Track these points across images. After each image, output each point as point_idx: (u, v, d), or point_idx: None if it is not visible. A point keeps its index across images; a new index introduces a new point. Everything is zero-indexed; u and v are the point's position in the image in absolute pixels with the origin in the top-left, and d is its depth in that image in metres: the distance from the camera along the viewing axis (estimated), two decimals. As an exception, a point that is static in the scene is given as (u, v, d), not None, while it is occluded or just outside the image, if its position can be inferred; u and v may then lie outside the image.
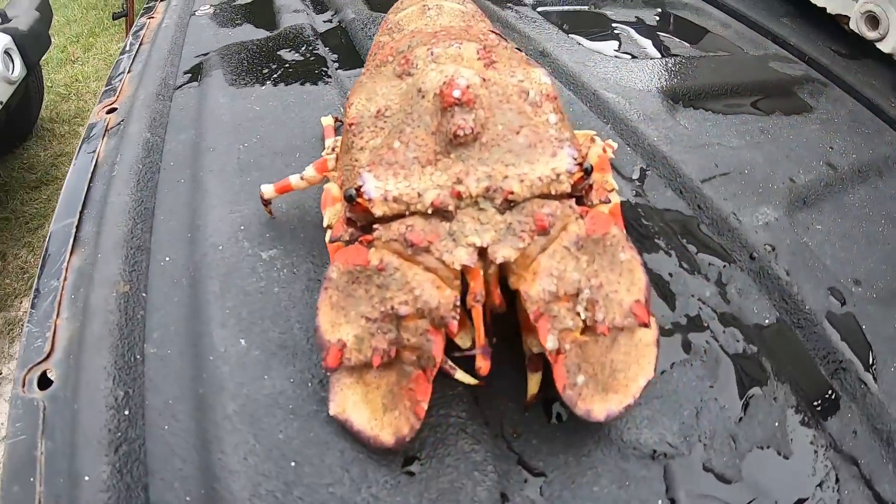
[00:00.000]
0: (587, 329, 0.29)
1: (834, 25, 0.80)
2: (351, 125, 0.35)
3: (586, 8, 0.87)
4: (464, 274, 0.29)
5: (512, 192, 0.29)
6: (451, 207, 0.29)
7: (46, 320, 0.37)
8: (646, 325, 0.30)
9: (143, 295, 0.40)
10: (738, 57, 0.75)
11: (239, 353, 0.35)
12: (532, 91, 0.35)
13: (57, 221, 0.46)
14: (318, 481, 0.29)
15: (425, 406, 0.28)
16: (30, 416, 0.31)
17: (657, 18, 0.85)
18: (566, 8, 0.86)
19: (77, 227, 0.45)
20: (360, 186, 0.29)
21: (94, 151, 0.54)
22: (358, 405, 0.30)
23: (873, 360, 0.38)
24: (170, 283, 0.41)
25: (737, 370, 0.36)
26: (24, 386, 0.33)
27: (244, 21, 0.81)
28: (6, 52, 1.41)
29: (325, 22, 0.80)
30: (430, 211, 0.29)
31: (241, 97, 0.60)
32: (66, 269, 0.41)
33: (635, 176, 0.52)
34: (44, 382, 0.34)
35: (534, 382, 0.31)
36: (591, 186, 0.33)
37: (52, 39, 1.74)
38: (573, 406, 0.29)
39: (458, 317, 0.28)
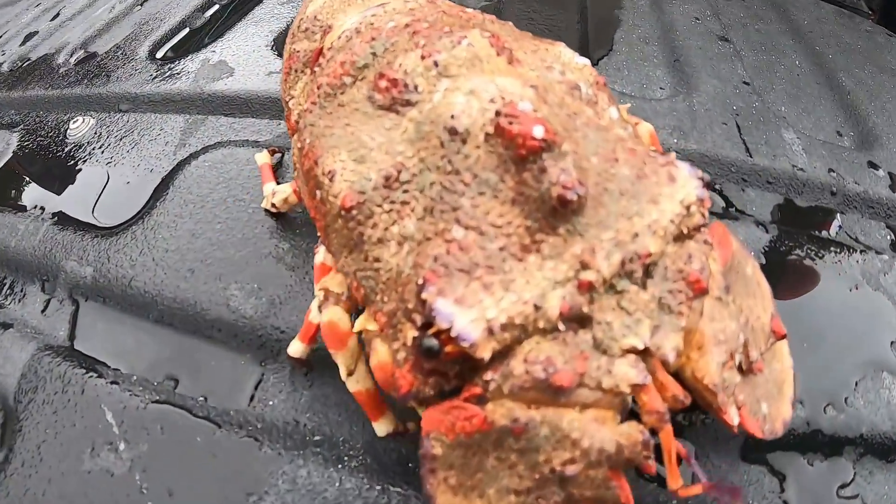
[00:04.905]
0: (743, 372, 0.23)
1: None
2: (350, 210, 0.23)
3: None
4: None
5: (650, 254, 0.20)
6: (585, 308, 0.20)
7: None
8: (783, 337, 0.25)
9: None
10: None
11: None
12: (583, 84, 0.25)
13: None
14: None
15: None
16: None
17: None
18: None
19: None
20: (447, 329, 0.19)
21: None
22: None
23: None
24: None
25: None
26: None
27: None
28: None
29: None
30: (560, 326, 0.20)
31: None
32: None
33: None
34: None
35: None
36: None
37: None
38: (772, 434, 0.24)
39: (651, 454, 0.20)
